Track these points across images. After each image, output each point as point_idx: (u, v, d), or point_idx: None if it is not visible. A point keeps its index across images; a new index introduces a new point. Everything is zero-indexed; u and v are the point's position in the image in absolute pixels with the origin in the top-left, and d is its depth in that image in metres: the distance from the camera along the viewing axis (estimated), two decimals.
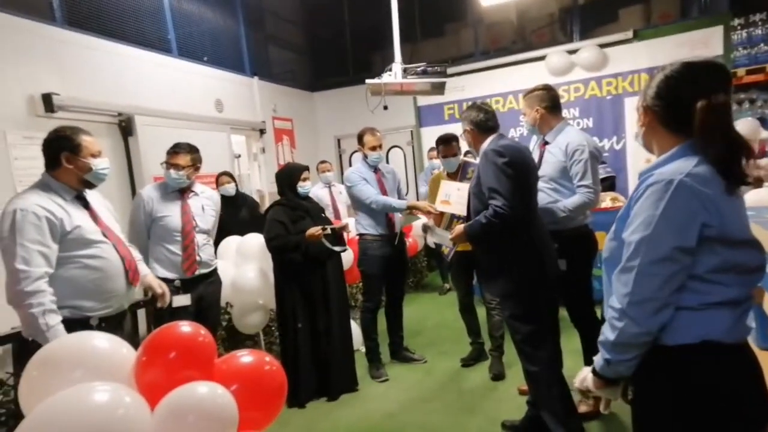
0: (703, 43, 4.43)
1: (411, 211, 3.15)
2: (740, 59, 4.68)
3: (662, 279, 1.04)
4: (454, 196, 2.83)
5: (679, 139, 1.13)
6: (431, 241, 2.91)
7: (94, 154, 1.98)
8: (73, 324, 1.90)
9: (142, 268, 2.27)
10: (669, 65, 1.16)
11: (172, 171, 2.59)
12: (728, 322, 1.05)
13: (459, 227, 2.36)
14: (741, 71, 4.64)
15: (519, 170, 2.14)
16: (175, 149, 2.61)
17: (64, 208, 1.90)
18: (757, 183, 2.81)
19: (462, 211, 2.71)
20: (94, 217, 2.02)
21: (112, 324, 2.02)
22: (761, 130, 3.72)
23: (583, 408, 2.49)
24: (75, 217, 1.92)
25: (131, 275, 2.08)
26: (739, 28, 4.71)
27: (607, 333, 1.12)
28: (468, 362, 3.28)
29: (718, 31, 4.43)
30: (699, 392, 1.05)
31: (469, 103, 5.50)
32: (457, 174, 3.08)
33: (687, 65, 1.14)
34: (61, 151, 1.92)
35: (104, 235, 2.00)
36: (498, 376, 3.06)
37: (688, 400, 1.06)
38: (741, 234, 1.06)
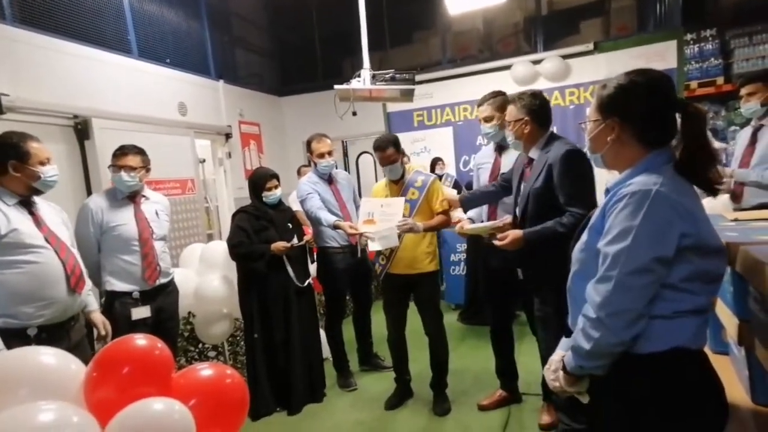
0: (659, 56, 4.63)
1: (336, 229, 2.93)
2: (692, 72, 4.91)
3: (639, 289, 1.04)
4: (378, 214, 2.63)
5: (645, 150, 1.14)
6: (374, 247, 2.69)
7: (42, 161, 1.97)
8: (10, 334, 1.83)
9: (90, 301, 2.20)
10: (626, 76, 1.17)
11: (123, 173, 2.43)
12: (694, 329, 1.08)
13: (515, 232, 2.09)
14: (693, 84, 4.87)
15: (593, 175, 2.06)
16: (123, 150, 2.47)
17: (3, 212, 1.88)
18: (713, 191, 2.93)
19: (391, 227, 2.55)
20: (38, 222, 1.97)
21: (53, 333, 1.94)
22: (713, 140, 3.91)
23: (545, 419, 2.52)
24: (14, 220, 1.89)
25: (73, 281, 2.00)
26: (691, 42, 4.95)
27: (581, 341, 1.12)
28: (393, 405, 2.89)
29: (672, 45, 4.64)
30: (669, 397, 1.07)
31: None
32: (401, 182, 2.79)
33: (653, 76, 1.15)
34: (8, 159, 1.90)
35: (47, 241, 1.95)
36: (447, 411, 2.78)
37: (659, 405, 1.07)
38: (714, 242, 1.08)
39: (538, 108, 2.13)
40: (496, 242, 2.14)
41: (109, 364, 1.26)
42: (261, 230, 2.85)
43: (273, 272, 2.84)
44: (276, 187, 2.93)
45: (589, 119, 1.24)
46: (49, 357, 1.28)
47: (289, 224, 2.98)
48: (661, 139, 1.15)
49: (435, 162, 5.25)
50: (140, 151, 2.51)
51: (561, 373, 1.21)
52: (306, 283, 2.97)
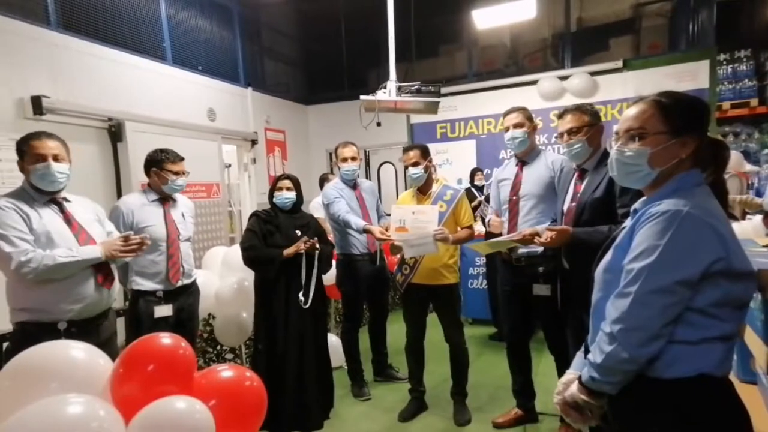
0: (691, 76, 4.54)
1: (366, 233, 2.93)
2: (725, 93, 4.81)
3: (658, 310, 1.03)
4: (410, 221, 2.62)
5: (683, 170, 1.13)
6: (410, 256, 2.73)
7: (39, 156, 1.96)
8: (41, 328, 1.91)
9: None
10: (682, 94, 1.16)
11: (179, 179, 2.57)
12: (720, 355, 1.06)
13: (563, 228, 2.07)
14: (726, 105, 4.77)
15: None
16: (179, 156, 2.59)
17: (36, 209, 1.97)
18: (742, 215, 2.86)
19: (425, 236, 2.57)
20: (68, 220, 2.04)
21: (83, 329, 1.99)
22: (745, 163, 3.81)
23: None
24: (45, 217, 1.97)
25: (101, 278, 2.08)
26: (724, 63, 4.86)
27: (595, 354, 1.12)
28: (406, 417, 2.89)
29: (704, 65, 4.55)
30: (692, 424, 1.05)
31: (455, 121, 5.58)
32: (427, 191, 2.84)
33: (695, 98, 1.16)
34: (20, 156, 2.00)
35: (76, 238, 2.02)
36: (467, 421, 2.80)
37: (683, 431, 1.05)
38: (744, 266, 1.05)
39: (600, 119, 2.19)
40: (539, 240, 2.10)
41: (135, 361, 1.29)
42: (267, 235, 2.75)
43: (285, 282, 2.71)
44: (288, 189, 2.81)
45: (647, 131, 1.14)
46: (79, 351, 1.33)
47: (298, 231, 2.79)
48: (709, 162, 1.15)
49: (474, 172, 5.14)
50: (182, 158, 2.65)
51: (576, 383, 1.19)
52: (308, 304, 2.72)
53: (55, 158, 1.99)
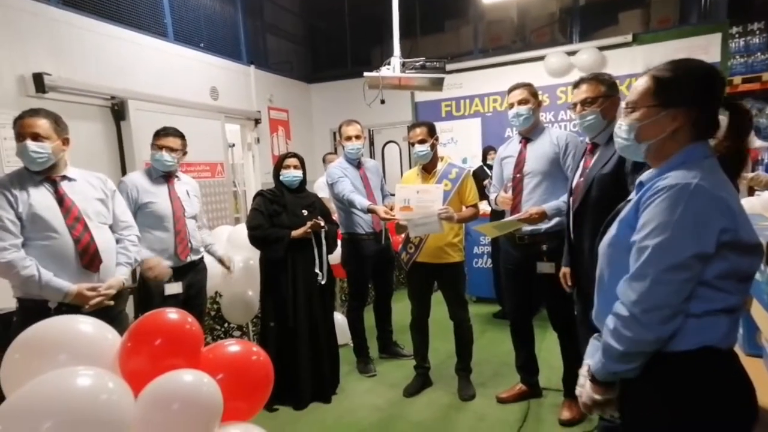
0: (702, 50, 4.44)
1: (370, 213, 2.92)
2: (737, 67, 4.71)
3: (677, 286, 1.01)
4: (414, 200, 2.60)
5: (688, 143, 1.11)
6: (415, 235, 2.74)
7: (19, 135, 1.92)
8: (35, 305, 1.89)
9: (120, 271, 2.12)
10: (686, 63, 1.12)
11: (165, 153, 2.52)
12: (725, 328, 1.05)
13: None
14: (737, 79, 4.67)
15: None
16: (166, 131, 2.57)
17: (28, 189, 1.93)
18: (749, 191, 2.83)
19: (430, 215, 2.56)
20: (60, 199, 1.97)
21: (76, 309, 1.91)
22: (755, 139, 3.75)
23: (566, 414, 2.50)
24: (33, 197, 1.92)
25: (86, 260, 1.97)
26: (737, 36, 4.74)
27: (612, 343, 1.08)
28: (411, 393, 2.93)
29: (716, 38, 4.44)
30: (696, 396, 1.05)
31: (464, 98, 5.50)
32: (432, 169, 2.82)
33: (710, 66, 1.12)
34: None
35: (64, 219, 1.95)
36: (471, 396, 2.84)
37: (685, 405, 1.05)
38: (751, 238, 1.04)
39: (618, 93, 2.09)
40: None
41: (142, 335, 1.31)
42: (274, 215, 2.76)
43: (291, 259, 2.76)
44: (295, 167, 2.83)
45: (638, 105, 1.16)
46: (88, 326, 1.34)
47: (304, 211, 2.82)
48: (712, 133, 1.11)
49: (487, 151, 5.06)
50: (181, 135, 2.62)
51: (588, 384, 1.17)
52: (325, 280, 2.84)
53: (35, 137, 1.91)
